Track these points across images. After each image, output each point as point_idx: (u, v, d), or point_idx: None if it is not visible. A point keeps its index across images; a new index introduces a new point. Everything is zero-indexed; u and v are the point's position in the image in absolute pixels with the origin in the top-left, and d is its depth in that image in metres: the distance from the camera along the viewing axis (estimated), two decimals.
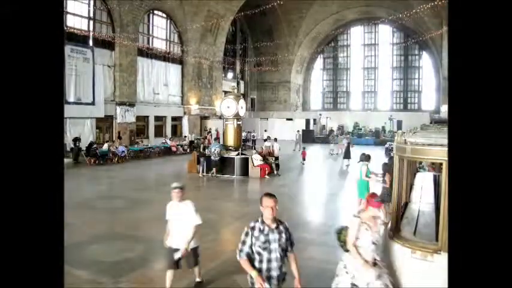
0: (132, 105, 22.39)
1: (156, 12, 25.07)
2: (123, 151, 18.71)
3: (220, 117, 22.24)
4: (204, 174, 14.74)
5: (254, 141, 26.49)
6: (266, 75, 38.99)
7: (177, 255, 4.82)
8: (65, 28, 18.16)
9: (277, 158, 15.72)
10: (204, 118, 29.36)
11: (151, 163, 18.86)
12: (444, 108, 28.25)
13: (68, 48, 18.04)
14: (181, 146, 22.86)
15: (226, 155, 14.93)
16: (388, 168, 7.88)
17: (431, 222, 4.43)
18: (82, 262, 5.93)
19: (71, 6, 19.16)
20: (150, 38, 24.98)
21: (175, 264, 4.95)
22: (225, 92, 29.66)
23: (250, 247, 3.41)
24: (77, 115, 18.63)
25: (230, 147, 15.52)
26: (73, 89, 18.59)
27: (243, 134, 22.66)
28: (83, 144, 18.20)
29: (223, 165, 14.70)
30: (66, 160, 17.14)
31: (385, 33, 39.87)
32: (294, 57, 37.21)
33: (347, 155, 17.30)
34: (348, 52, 41.88)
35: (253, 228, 3.46)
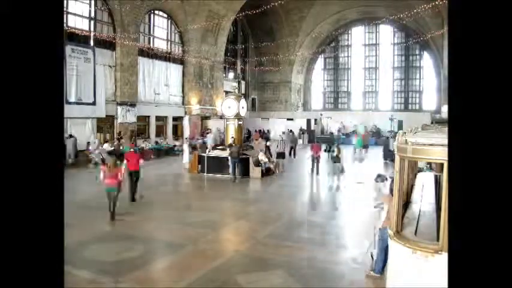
0: (133, 105, 22.39)
1: (157, 12, 25.06)
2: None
3: (221, 117, 22.22)
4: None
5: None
6: (267, 75, 38.95)
7: None
8: (66, 28, 18.14)
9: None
10: (205, 118, 29.37)
11: (149, 163, 18.82)
12: (445, 108, 28.19)
13: (69, 48, 18.04)
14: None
15: (225, 155, 14.94)
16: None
17: (433, 222, 4.42)
18: (82, 262, 5.94)
19: (71, 6, 19.16)
20: (151, 38, 24.98)
21: None
22: (226, 92, 29.63)
23: None
24: (77, 115, 18.62)
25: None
26: (74, 89, 18.58)
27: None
28: (83, 145, 18.31)
29: (224, 165, 14.71)
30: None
31: (386, 33, 39.79)
32: (295, 57, 37.15)
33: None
34: (348, 52, 41.82)
35: None
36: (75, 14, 19.39)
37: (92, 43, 20.16)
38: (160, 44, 25.68)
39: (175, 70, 26.78)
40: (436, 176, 6.46)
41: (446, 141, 3.15)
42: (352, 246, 7.06)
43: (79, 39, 19.32)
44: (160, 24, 25.70)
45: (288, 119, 35.25)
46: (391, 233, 4.14)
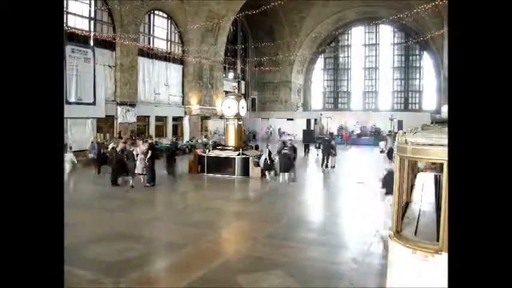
0: (133, 105, 22.40)
1: (156, 12, 25.08)
2: None
3: (221, 117, 22.24)
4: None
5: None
6: (267, 75, 38.95)
7: None
8: (66, 28, 18.15)
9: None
10: (205, 118, 29.39)
11: None
12: (445, 108, 28.20)
13: (68, 48, 18.04)
14: None
15: (225, 155, 14.95)
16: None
17: (432, 222, 4.42)
18: (82, 262, 5.93)
19: (71, 6, 19.17)
20: (151, 38, 24.99)
21: None
22: (226, 92, 29.67)
23: None
24: (77, 115, 18.62)
25: (230, 147, 15.53)
26: (74, 89, 18.58)
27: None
28: (81, 145, 18.25)
29: (224, 165, 14.72)
30: None
31: (386, 33, 39.83)
32: (295, 57, 37.17)
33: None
34: (348, 52, 41.85)
35: None
36: (75, 14, 19.39)
37: (91, 43, 20.16)
38: (160, 44, 25.69)
39: (175, 70, 26.79)
40: (436, 176, 6.46)
41: (446, 141, 3.15)
42: (352, 246, 7.05)
43: (79, 39, 19.33)
44: (160, 24, 25.70)
45: (288, 119, 35.27)
46: (390, 233, 4.14)
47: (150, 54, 24.50)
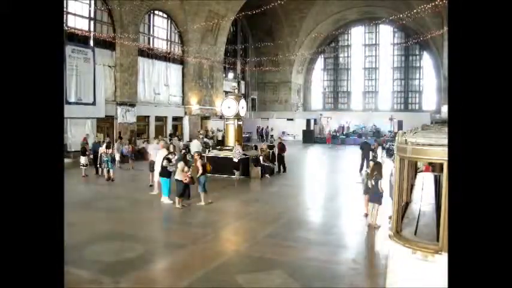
0: (132, 105, 22.39)
1: (156, 12, 25.06)
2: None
3: (221, 117, 22.24)
4: None
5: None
6: (267, 76, 38.94)
7: None
8: (66, 28, 18.14)
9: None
10: (204, 118, 29.39)
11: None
12: (445, 109, 28.22)
13: (68, 49, 18.02)
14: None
15: (223, 155, 14.94)
16: None
17: (432, 222, 4.42)
18: (82, 262, 5.94)
19: (71, 6, 19.16)
20: (151, 38, 24.97)
21: None
22: (226, 92, 29.65)
23: None
24: (77, 115, 18.60)
25: (230, 147, 15.52)
26: (74, 89, 18.56)
27: None
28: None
29: (223, 165, 14.71)
30: (66, 160, 17.12)
31: (386, 34, 39.82)
32: (295, 57, 37.15)
33: None
34: (348, 52, 41.84)
35: None
36: (75, 14, 19.38)
37: (91, 43, 20.15)
38: (160, 44, 25.68)
39: (175, 70, 26.78)
40: (436, 176, 6.47)
41: (446, 141, 3.15)
42: (352, 246, 7.05)
43: (79, 39, 19.32)
44: (160, 24, 25.69)
45: (288, 119, 35.28)
46: (390, 233, 4.14)
47: (150, 54, 24.49)
